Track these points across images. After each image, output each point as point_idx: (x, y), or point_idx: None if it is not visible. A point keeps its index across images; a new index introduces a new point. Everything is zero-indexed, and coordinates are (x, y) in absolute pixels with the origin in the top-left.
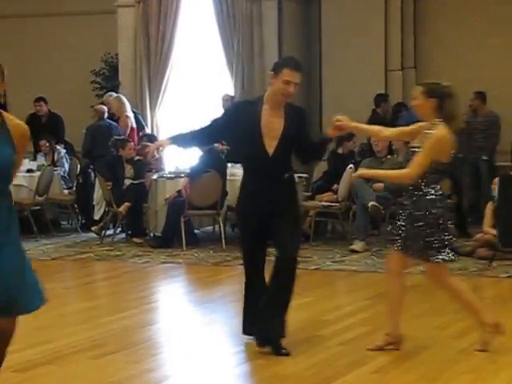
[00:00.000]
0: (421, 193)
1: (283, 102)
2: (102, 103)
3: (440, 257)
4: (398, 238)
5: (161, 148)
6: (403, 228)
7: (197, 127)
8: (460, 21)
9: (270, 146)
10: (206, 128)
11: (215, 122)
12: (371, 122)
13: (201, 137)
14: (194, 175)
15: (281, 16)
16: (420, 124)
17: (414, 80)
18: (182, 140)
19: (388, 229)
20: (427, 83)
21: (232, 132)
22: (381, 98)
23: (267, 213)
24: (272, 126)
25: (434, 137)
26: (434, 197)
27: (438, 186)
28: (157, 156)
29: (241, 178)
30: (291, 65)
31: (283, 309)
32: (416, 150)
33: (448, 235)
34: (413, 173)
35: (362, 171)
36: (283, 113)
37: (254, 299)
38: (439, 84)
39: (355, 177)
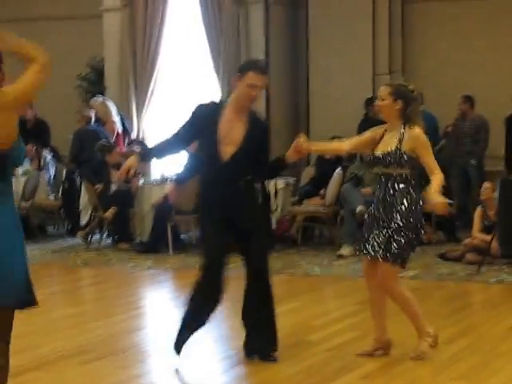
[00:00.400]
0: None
1: (247, 106)
2: (89, 107)
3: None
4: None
5: (132, 170)
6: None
7: (167, 136)
8: (447, 25)
9: (226, 152)
10: (176, 134)
11: (183, 125)
12: (363, 125)
13: (173, 143)
14: (180, 180)
15: (267, 20)
16: (374, 129)
17: None
18: (155, 152)
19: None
20: (396, 84)
21: (197, 135)
22: (369, 102)
23: (229, 220)
24: (231, 132)
25: (422, 135)
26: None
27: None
28: (132, 173)
29: None
30: (256, 68)
31: (272, 324)
32: (389, 155)
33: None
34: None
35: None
36: (246, 120)
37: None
38: (407, 86)
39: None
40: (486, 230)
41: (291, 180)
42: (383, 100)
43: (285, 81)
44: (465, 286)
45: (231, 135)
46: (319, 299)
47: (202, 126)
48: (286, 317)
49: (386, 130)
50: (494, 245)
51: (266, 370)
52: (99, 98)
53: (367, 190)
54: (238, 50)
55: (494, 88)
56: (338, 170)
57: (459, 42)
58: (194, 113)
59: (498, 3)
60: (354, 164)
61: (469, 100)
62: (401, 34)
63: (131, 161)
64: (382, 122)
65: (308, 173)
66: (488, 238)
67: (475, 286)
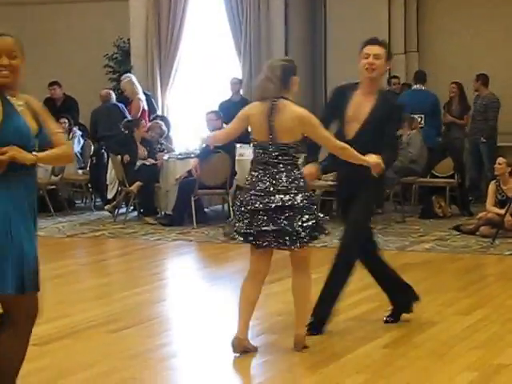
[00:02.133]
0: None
1: (370, 79)
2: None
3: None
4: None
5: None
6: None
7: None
8: (461, 7)
9: (351, 129)
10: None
11: (323, 113)
12: None
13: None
14: (203, 156)
15: (287, 1)
16: None
17: (417, 63)
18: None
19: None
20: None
21: (333, 116)
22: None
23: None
24: (358, 110)
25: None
26: None
27: None
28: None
29: (249, 158)
30: (369, 41)
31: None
32: None
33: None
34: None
35: None
36: (375, 98)
37: None
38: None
39: None
40: (500, 203)
41: None
42: None
43: (303, 61)
44: (479, 259)
45: (357, 113)
46: None
47: (336, 107)
48: None
49: None
50: (508, 218)
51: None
52: (127, 77)
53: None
54: (258, 31)
55: (506, 68)
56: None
57: (474, 23)
58: (330, 96)
59: None
60: None
61: (481, 78)
62: (416, 13)
63: (311, 169)
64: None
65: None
66: (502, 211)
67: (490, 259)
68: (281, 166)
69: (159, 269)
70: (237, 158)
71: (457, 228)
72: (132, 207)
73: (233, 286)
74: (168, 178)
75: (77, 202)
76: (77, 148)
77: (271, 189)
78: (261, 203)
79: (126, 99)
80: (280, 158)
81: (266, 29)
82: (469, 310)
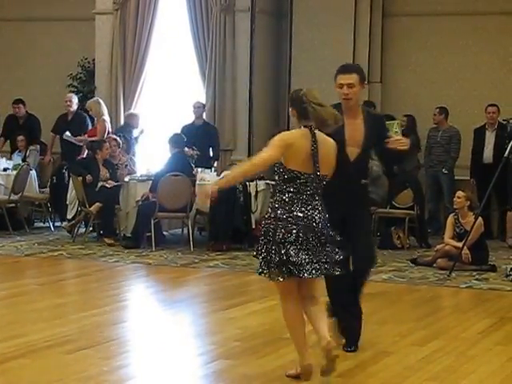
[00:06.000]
0: None
1: (349, 107)
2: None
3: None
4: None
5: None
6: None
7: None
8: (425, 39)
9: (352, 153)
10: None
11: None
12: None
13: None
14: (155, 188)
15: (253, 28)
16: None
17: (380, 94)
18: None
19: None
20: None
21: None
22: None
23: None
24: (353, 134)
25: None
26: None
27: None
28: None
29: (210, 182)
30: (340, 69)
31: None
32: None
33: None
34: None
35: None
36: (363, 121)
37: None
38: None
39: None
40: (458, 237)
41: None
42: None
43: (267, 87)
44: (436, 291)
45: (352, 137)
46: None
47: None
48: (265, 314)
49: None
50: (465, 251)
51: (244, 365)
52: (97, 99)
53: None
54: (223, 56)
55: (468, 101)
56: None
57: (436, 55)
58: None
59: (475, 21)
60: None
61: (444, 111)
62: (380, 45)
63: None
64: None
65: None
66: (459, 244)
67: (446, 291)
68: None
69: (117, 291)
70: (198, 182)
71: (413, 261)
72: (91, 228)
73: (190, 309)
74: (128, 200)
75: (36, 221)
76: (33, 166)
77: None
78: None
79: (90, 118)
80: None
81: (231, 54)
82: (424, 341)
